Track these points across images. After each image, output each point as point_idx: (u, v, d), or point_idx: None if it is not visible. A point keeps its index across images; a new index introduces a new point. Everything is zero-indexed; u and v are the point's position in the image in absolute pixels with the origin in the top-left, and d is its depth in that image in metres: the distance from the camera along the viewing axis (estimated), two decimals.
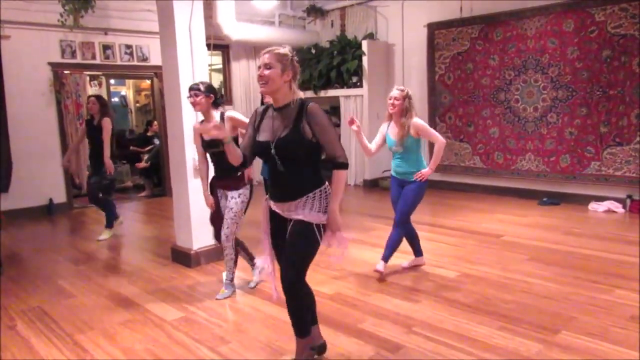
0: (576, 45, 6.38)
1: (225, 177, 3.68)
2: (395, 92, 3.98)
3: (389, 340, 3.04)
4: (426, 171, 4.02)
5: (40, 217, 7.00)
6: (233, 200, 3.69)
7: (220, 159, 3.66)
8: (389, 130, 4.08)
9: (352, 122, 3.76)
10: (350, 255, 4.60)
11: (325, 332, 3.11)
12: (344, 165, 2.44)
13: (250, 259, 4.05)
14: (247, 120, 3.55)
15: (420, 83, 8.13)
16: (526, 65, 6.86)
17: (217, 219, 3.85)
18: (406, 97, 3.94)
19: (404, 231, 4.17)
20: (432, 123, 7.97)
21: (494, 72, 7.20)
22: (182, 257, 4.64)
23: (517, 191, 7.17)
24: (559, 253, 4.61)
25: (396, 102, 3.94)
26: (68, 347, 3.11)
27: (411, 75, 8.30)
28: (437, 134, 4.07)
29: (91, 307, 3.76)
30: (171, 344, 3.12)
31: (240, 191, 3.70)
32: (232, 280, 3.89)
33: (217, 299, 3.80)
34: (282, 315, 3.37)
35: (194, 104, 3.64)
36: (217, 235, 3.89)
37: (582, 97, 6.41)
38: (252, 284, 3.98)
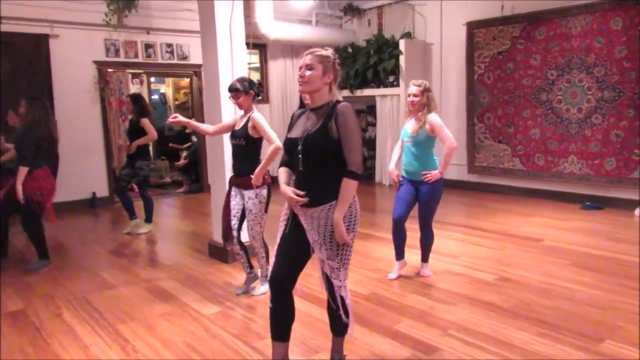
0: (624, 44, 6.15)
1: (242, 176, 3.64)
2: (412, 89, 3.88)
3: (425, 342, 3.01)
4: (435, 173, 3.88)
5: (84, 210, 7.25)
6: (250, 201, 3.65)
7: (239, 156, 3.69)
8: (407, 124, 4.02)
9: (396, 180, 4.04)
10: (387, 256, 4.58)
11: (360, 332, 3.12)
12: (356, 175, 2.32)
13: (250, 267, 3.92)
14: (267, 127, 3.54)
15: (458, 83, 8.02)
16: (570, 64, 6.67)
17: (224, 216, 3.81)
18: (424, 91, 3.85)
19: (430, 232, 4.11)
20: (470, 123, 7.86)
21: (536, 71, 7.03)
22: (219, 253, 4.71)
23: (558, 194, 6.98)
24: (602, 259, 4.46)
25: (415, 99, 3.87)
26: (111, 337, 3.21)
27: (449, 75, 8.19)
28: (450, 135, 3.89)
29: (132, 299, 3.87)
30: (208, 337, 3.17)
31: (257, 191, 3.62)
32: (267, 277, 3.91)
33: (253, 295, 3.85)
34: (318, 313, 3.39)
35: (237, 105, 3.68)
36: (225, 235, 3.81)
37: (630, 97, 6.19)
38: (239, 291, 3.91)
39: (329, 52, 2.41)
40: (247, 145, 3.63)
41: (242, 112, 3.77)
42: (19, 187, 4.33)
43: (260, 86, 3.80)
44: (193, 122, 3.91)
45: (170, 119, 3.66)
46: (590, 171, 6.64)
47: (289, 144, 2.44)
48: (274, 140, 3.51)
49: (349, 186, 2.33)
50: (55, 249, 5.15)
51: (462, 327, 3.18)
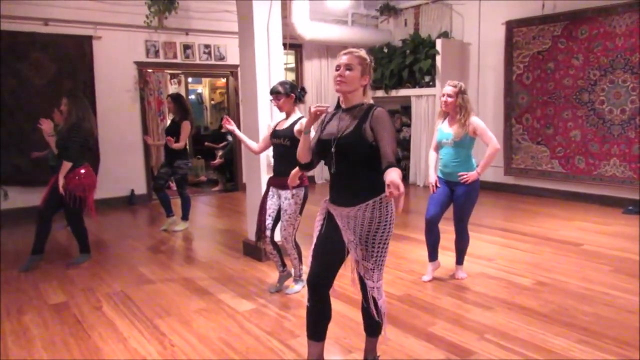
0: None
1: (282, 176, 3.65)
2: (447, 89, 3.83)
3: (460, 345, 2.97)
4: (472, 174, 3.82)
5: (123, 207, 7.45)
6: (287, 201, 3.68)
7: (281, 157, 3.70)
8: (442, 125, 3.97)
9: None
10: (421, 258, 4.54)
11: (394, 333, 3.11)
12: (394, 165, 2.13)
13: (282, 265, 3.96)
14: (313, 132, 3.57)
15: (496, 83, 7.88)
16: (614, 64, 6.46)
17: (260, 215, 3.84)
18: (459, 93, 3.79)
19: (466, 234, 4.06)
20: (508, 124, 7.71)
21: (578, 71, 6.84)
22: (253, 251, 4.77)
23: (599, 198, 6.77)
24: None
25: (449, 100, 3.81)
26: (148, 331, 3.29)
27: (487, 75, 8.05)
28: (493, 137, 3.85)
29: (169, 294, 3.96)
30: (243, 334, 3.22)
31: (294, 191, 3.65)
32: (300, 276, 3.94)
33: (286, 294, 3.88)
34: (352, 313, 3.40)
35: (278, 107, 3.72)
36: (258, 234, 3.84)
37: None
38: (272, 289, 3.95)
39: (365, 52, 2.41)
40: (291, 146, 3.61)
41: (278, 117, 3.80)
42: (62, 180, 4.49)
43: (303, 90, 3.81)
44: (242, 135, 3.97)
45: (225, 123, 3.77)
46: (633, 174, 6.42)
47: (322, 145, 2.44)
48: None
49: (393, 169, 2.11)
50: (95, 244, 5.31)
51: (499, 332, 3.13)
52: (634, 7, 6.21)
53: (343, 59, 2.37)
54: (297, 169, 3.52)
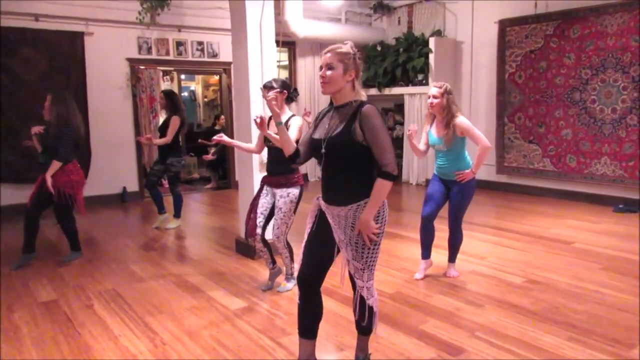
0: None
1: (277, 175, 3.66)
2: (433, 90, 3.86)
3: (451, 343, 2.99)
4: (468, 172, 3.85)
5: (115, 204, 7.41)
6: (282, 199, 3.68)
7: (275, 155, 3.66)
8: (431, 128, 3.99)
9: (411, 135, 3.92)
10: (413, 256, 4.55)
11: (386, 331, 3.11)
12: (389, 176, 2.28)
13: (272, 262, 3.95)
14: (296, 130, 3.53)
15: (489, 82, 7.91)
16: (605, 64, 6.50)
17: (249, 213, 3.82)
18: (445, 94, 3.81)
19: (460, 232, 4.08)
20: (500, 123, 7.74)
21: (569, 71, 6.87)
22: (246, 249, 4.76)
23: (590, 196, 6.82)
24: (635, 263, 4.34)
25: (434, 100, 3.83)
26: (139, 329, 3.28)
27: (479, 74, 8.08)
28: (482, 136, 3.85)
29: (160, 292, 3.94)
30: (234, 331, 3.21)
31: (290, 190, 3.66)
32: (291, 274, 3.94)
33: (278, 292, 3.88)
34: (343, 311, 3.40)
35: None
36: (247, 233, 3.83)
37: None
38: (264, 287, 3.95)
39: (347, 47, 2.34)
40: None
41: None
42: (49, 179, 4.44)
43: (295, 90, 3.81)
44: (237, 142, 3.94)
45: (215, 138, 3.69)
46: (624, 173, 6.47)
47: (313, 145, 2.43)
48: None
49: (383, 187, 2.28)
50: (87, 242, 5.28)
51: (490, 329, 3.14)
52: (626, 7, 6.25)
53: (324, 57, 2.33)
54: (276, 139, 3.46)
